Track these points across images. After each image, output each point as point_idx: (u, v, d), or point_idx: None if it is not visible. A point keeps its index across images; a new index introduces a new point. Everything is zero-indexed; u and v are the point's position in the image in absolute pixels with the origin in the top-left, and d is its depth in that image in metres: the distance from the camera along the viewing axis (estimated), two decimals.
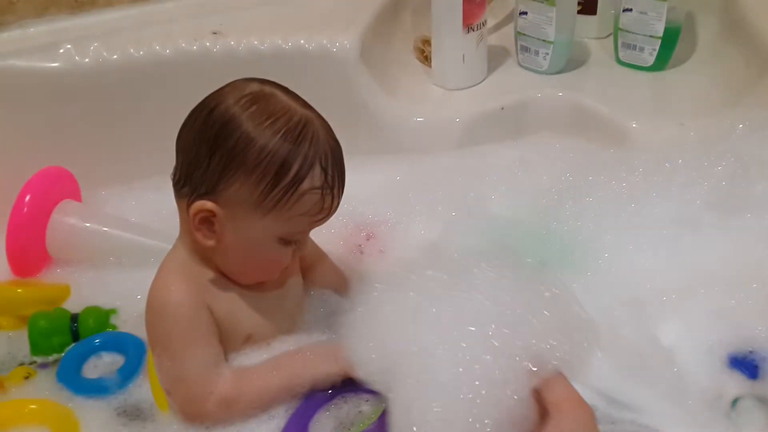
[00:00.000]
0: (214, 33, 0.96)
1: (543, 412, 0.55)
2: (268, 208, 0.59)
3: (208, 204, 0.59)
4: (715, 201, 0.80)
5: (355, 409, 0.62)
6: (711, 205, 0.80)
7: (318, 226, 0.63)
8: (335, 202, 0.62)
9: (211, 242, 0.61)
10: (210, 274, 0.64)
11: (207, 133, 0.58)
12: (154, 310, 0.62)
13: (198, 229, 0.60)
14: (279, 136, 0.57)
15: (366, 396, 0.62)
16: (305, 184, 0.58)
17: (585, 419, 0.56)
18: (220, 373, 0.61)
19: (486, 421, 0.53)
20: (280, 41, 0.95)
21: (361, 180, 0.71)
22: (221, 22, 0.99)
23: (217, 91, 0.61)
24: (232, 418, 0.60)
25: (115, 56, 0.92)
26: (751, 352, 0.67)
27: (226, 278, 0.64)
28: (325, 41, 0.95)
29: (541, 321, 0.60)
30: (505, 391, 0.54)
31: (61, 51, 0.91)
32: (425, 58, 1.10)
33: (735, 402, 0.63)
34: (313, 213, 0.60)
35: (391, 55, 1.07)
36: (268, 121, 0.58)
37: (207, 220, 0.60)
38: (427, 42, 1.09)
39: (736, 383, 0.65)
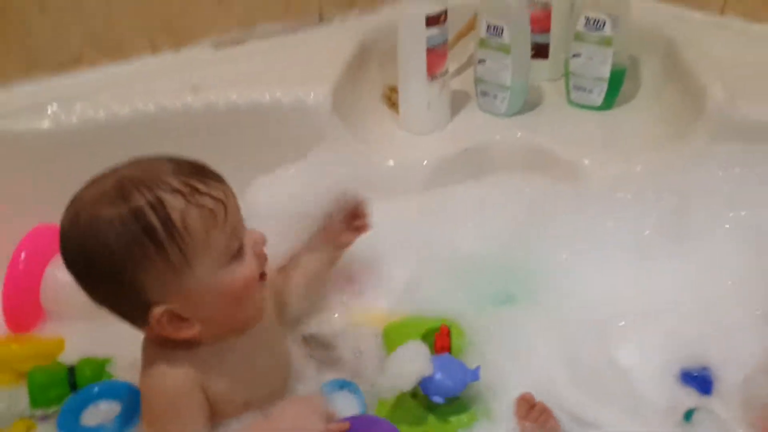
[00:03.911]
0: (194, 89, 1.02)
1: None
2: (186, 259, 0.58)
3: (158, 310, 0.59)
4: (663, 230, 0.87)
5: None
6: (660, 234, 0.87)
7: (238, 224, 0.62)
8: (216, 195, 0.59)
9: (195, 328, 0.61)
10: (197, 353, 0.64)
11: (93, 274, 0.58)
12: (151, 398, 0.63)
13: (177, 330, 0.60)
14: (114, 215, 0.56)
15: None
16: (175, 215, 0.57)
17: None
18: None
19: None
20: (257, 95, 1.01)
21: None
22: (200, 77, 1.04)
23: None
24: None
25: (100, 115, 0.96)
26: (703, 369, 0.73)
27: (212, 348, 0.64)
28: (300, 94, 1.01)
29: None
30: None
31: (49, 112, 0.95)
32: (393, 105, 1.17)
33: (688, 414, 0.68)
34: (212, 224, 0.59)
35: (360, 104, 1.13)
36: (98, 222, 0.56)
37: (174, 318, 0.60)
38: (393, 90, 1.16)
39: (689, 398, 0.71)
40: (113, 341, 0.81)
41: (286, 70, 1.08)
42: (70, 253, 0.60)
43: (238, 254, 0.61)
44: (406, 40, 1.06)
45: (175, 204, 0.57)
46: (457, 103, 1.18)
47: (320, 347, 0.79)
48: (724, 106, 0.95)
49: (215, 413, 0.65)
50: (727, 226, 0.84)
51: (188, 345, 0.63)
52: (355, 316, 0.84)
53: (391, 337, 0.77)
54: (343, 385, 0.73)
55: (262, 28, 1.19)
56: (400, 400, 0.70)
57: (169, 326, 0.60)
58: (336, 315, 0.84)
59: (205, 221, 0.58)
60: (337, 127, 1.02)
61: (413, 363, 0.68)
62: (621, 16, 1.09)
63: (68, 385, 0.78)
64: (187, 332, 0.61)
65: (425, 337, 0.77)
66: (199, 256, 0.59)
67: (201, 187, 0.59)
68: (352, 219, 0.83)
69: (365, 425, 0.64)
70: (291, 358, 0.74)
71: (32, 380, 0.77)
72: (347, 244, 0.84)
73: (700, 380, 0.72)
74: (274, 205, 0.79)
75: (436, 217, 0.98)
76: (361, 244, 0.94)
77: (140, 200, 0.57)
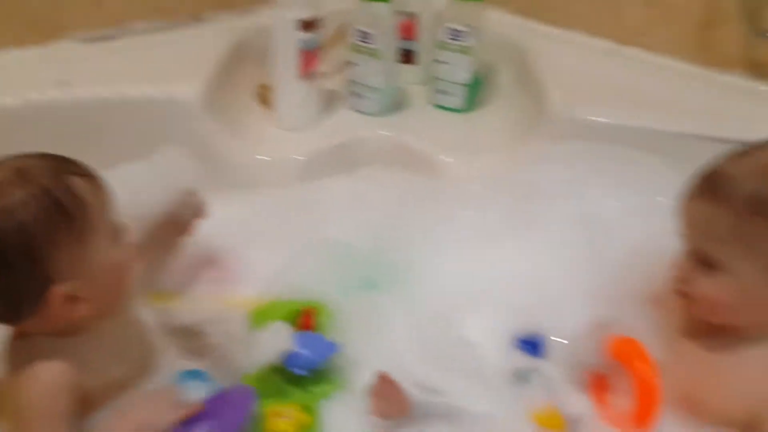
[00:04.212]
0: (60, 83, 1.01)
1: None
2: (90, 232, 0.62)
3: (60, 288, 0.61)
4: (508, 219, 0.96)
5: None
6: (506, 223, 0.96)
7: (106, 203, 0.65)
8: (99, 178, 0.64)
9: (85, 308, 0.63)
10: (72, 342, 0.65)
11: None
12: (29, 396, 0.62)
13: (71, 311, 0.62)
14: (24, 195, 0.59)
15: None
16: (77, 190, 0.61)
17: None
18: None
19: None
20: (126, 90, 1.02)
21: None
22: (68, 71, 1.04)
23: None
24: None
25: None
26: (535, 335, 0.82)
27: (85, 335, 0.66)
28: (171, 90, 1.03)
29: None
30: None
31: None
32: (265, 103, 1.21)
33: (522, 375, 0.77)
34: (103, 201, 0.64)
35: (234, 101, 1.16)
36: (10, 206, 0.59)
37: (69, 298, 0.62)
38: (266, 88, 1.20)
39: (523, 361, 0.79)
40: None
41: (158, 67, 1.09)
42: None
43: (118, 236, 0.66)
44: (278, 42, 1.10)
45: (74, 182, 0.62)
46: (331, 102, 1.23)
47: (188, 335, 0.82)
48: (563, 108, 1.07)
49: (84, 402, 0.66)
50: (563, 214, 0.94)
51: (64, 333, 0.64)
52: (224, 302, 0.87)
53: (258, 320, 0.80)
54: (196, 374, 0.74)
55: (134, 26, 1.19)
56: (265, 375, 0.74)
57: (63, 307, 0.62)
58: (204, 303, 0.86)
59: (98, 198, 0.63)
60: (209, 123, 1.05)
61: (274, 339, 0.72)
62: (479, 28, 1.19)
63: None
64: (79, 312, 0.63)
65: (291, 318, 0.81)
66: (97, 231, 0.63)
67: (84, 170, 0.64)
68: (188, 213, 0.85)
69: (218, 402, 0.67)
70: (152, 342, 0.76)
71: None
72: (185, 234, 0.86)
73: (532, 345, 0.81)
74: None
75: (307, 208, 1.03)
76: (231, 234, 0.97)
77: (43, 180, 0.60)
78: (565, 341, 0.81)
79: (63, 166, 0.63)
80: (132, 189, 0.78)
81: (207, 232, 0.88)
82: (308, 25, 1.09)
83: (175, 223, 0.84)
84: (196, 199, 0.84)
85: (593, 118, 1.06)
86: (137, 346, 0.73)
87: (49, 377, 0.63)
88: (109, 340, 0.69)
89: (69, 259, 0.61)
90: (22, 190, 0.59)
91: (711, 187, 0.66)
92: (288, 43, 1.08)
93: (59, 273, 0.61)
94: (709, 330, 0.70)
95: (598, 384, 0.77)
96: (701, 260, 0.67)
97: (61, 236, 0.60)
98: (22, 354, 0.65)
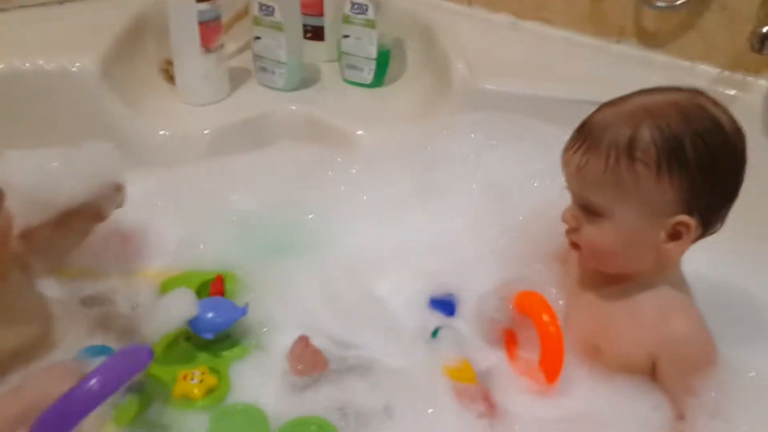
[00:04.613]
0: None
1: None
2: None
3: None
4: (416, 187, 0.98)
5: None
6: (413, 190, 0.98)
7: None
8: None
9: None
10: None
11: None
12: None
13: None
14: None
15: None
16: None
17: None
18: None
19: None
20: (17, 62, 0.97)
21: None
22: None
23: None
24: None
25: None
26: (448, 295, 0.85)
27: None
28: (65, 62, 0.99)
29: None
30: None
31: None
32: (170, 78, 1.18)
33: (435, 332, 0.79)
34: None
35: (135, 75, 1.13)
36: None
37: None
38: (170, 63, 1.17)
39: (436, 319, 0.82)
40: None
41: (52, 40, 1.05)
42: None
43: None
44: (177, 14, 1.08)
45: None
46: (238, 77, 1.22)
47: (97, 305, 0.79)
48: (466, 80, 1.10)
49: None
50: (467, 180, 0.97)
51: None
52: (133, 275, 0.84)
53: (168, 290, 0.79)
54: (101, 350, 0.71)
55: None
56: (173, 343, 0.73)
57: None
58: (113, 276, 0.84)
59: None
60: (107, 98, 1.01)
61: (178, 306, 0.71)
62: (382, 2, 1.20)
63: None
64: None
65: (201, 287, 0.80)
66: None
67: None
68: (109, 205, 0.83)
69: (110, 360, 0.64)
70: (54, 315, 0.74)
71: None
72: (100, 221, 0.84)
73: (444, 304, 0.83)
74: (20, 183, 0.75)
75: (215, 182, 1.02)
76: (139, 209, 0.94)
77: None
78: (475, 299, 0.83)
79: None
80: (52, 174, 0.76)
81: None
82: None
83: (93, 211, 0.82)
84: (121, 195, 0.83)
85: (495, 89, 1.09)
86: (33, 319, 0.71)
87: None
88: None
89: None
90: None
91: (582, 137, 0.68)
92: (186, 14, 1.06)
93: None
94: (605, 280, 0.73)
95: (508, 339, 0.80)
96: (585, 209, 0.69)
97: None
98: None
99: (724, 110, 0.67)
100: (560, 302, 0.77)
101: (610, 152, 0.65)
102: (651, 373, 0.70)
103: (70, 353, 0.70)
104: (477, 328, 0.81)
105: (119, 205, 0.85)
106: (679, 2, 1.04)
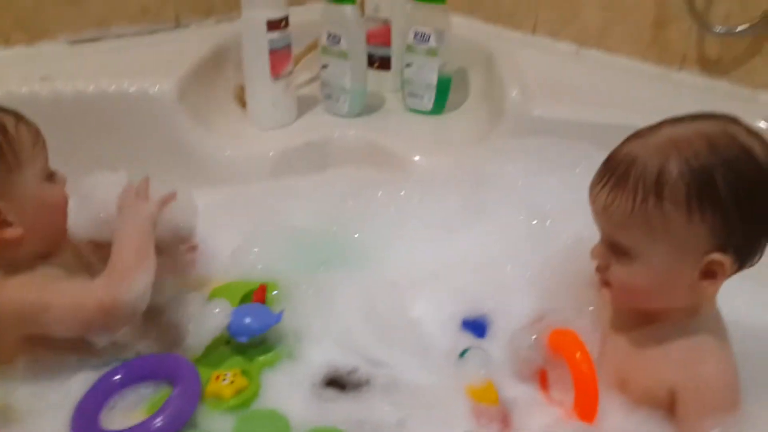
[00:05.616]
0: (43, 77, 1.07)
1: None
2: (18, 161, 0.71)
3: None
4: (463, 210, 1.00)
5: (139, 397, 0.73)
6: (461, 213, 1.00)
7: (36, 146, 0.74)
8: (34, 125, 0.75)
9: (18, 230, 0.71)
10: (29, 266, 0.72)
11: None
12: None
13: (2, 233, 0.70)
14: None
15: (149, 384, 0.74)
16: (9, 126, 0.71)
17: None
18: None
19: None
20: (105, 84, 1.08)
21: None
22: (51, 68, 1.10)
23: None
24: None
25: None
26: (481, 318, 0.86)
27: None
28: (146, 84, 1.09)
29: None
30: None
31: None
32: (243, 103, 1.26)
33: (463, 353, 0.80)
34: (35, 141, 0.73)
35: (211, 100, 1.22)
36: None
37: None
38: (243, 88, 1.26)
39: (467, 340, 0.83)
40: None
41: (137, 66, 1.15)
42: None
43: (51, 179, 0.76)
44: (249, 42, 1.16)
45: (7, 119, 0.72)
46: (307, 105, 1.29)
47: (150, 312, 0.85)
48: (520, 106, 1.11)
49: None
50: (514, 205, 0.98)
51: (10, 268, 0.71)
52: (186, 284, 0.90)
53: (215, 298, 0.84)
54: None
55: (118, 30, 1.26)
56: (212, 346, 0.78)
57: None
58: (167, 283, 0.90)
59: (32, 137, 0.73)
60: (182, 119, 1.10)
61: (215, 314, 0.76)
62: (444, 31, 1.24)
63: None
64: (11, 233, 0.71)
65: (246, 296, 0.85)
66: (27, 163, 0.72)
67: (20, 117, 0.74)
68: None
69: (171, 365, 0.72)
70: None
71: None
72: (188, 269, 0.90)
73: (476, 325, 0.84)
74: (101, 198, 0.79)
75: (274, 199, 1.08)
76: (204, 225, 1.01)
77: None
78: (507, 323, 0.83)
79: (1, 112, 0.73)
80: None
81: None
82: (277, 24, 1.14)
83: (170, 261, 0.86)
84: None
85: (547, 115, 1.10)
86: None
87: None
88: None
89: None
90: None
91: (608, 172, 0.65)
92: (257, 42, 1.14)
93: None
94: (639, 319, 0.71)
95: (542, 378, 0.77)
96: (613, 248, 0.67)
97: None
98: None
99: (759, 137, 0.64)
100: (594, 341, 0.75)
101: (637, 191, 0.63)
102: (671, 408, 0.68)
103: (113, 358, 0.77)
104: (509, 364, 0.79)
105: (191, 265, 0.89)
106: (739, 29, 1.01)
